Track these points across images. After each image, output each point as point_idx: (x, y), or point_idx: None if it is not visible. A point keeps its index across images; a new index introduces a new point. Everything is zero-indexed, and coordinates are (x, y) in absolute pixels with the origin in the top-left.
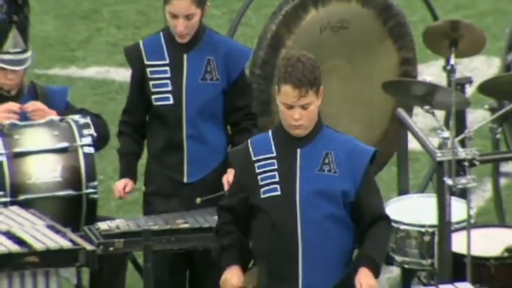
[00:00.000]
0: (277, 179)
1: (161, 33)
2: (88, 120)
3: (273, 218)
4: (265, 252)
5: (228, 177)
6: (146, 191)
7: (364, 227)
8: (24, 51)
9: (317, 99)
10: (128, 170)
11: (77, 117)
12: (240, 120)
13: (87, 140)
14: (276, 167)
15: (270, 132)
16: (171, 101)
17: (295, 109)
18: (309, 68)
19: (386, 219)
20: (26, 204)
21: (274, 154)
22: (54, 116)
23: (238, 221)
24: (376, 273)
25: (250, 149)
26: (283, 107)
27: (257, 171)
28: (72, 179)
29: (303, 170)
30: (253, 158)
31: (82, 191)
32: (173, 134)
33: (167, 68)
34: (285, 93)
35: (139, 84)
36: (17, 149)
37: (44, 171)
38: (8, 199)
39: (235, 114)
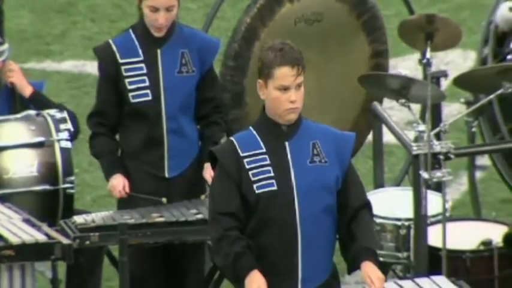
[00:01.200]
0: (272, 174)
1: (130, 31)
2: (65, 114)
3: (270, 213)
4: (263, 247)
5: (210, 172)
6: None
7: (350, 215)
8: (0, 43)
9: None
10: (117, 167)
11: (53, 111)
12: (209, 112)
13: (64, 135)
14: (268, 161)
15: (251, 128)
16: (150, 97)
17: (291, 90)
18: (295, 48)
19: (369, 205)
20: (3, 199)
21: (264, 149)
22: (30, 111)
23: (241, 225)
24: (377, 262)
25: (237, 146)
26: (278, 92)
27: (247, 166)
28: (49, 173)
29: (295, 162)
30: (242, 154)
31: (59, 185)
32: (153, 130)
33: (142, 65)
34: (283, 75)
35: (113, 83)
36: None
37: (20, 166)
38: None
39: (205, 106)
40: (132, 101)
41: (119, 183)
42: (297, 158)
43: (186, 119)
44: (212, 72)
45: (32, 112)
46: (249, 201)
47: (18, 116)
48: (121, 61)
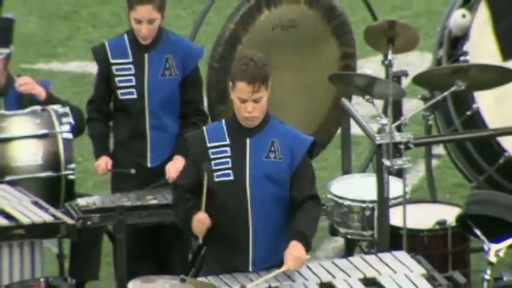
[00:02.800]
0: (229, 165)
1: (125, 35)
2: (67, 110)
3: (225, 200)
4: (217, 230)
5: (173, 164)
6: (115, 180)
7: (296, 205)
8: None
9: (267, 93)
10: (104, 149)
11: (57, 107)
12: (190, 113)
13: (66, 127)
14: (229, 154)
15: (223, 121)
16: (135, 95)
17: (249, 103)
18: (260, 66)
19: (316, 198)
20: (11, 185)
21: (228, 142)
22: (37, 106)
23: (193, 196)
24: (307, 246)
25: (206, 135)
26: (237, 101)
27: (211, 156)
28: (52, 161)
29: (252, 157)
30: (208, 144)
31: (61, 172)
32: (137, 124)
33: (131, 66)
34: (240, 89)
35: (105, 79)
36: (3, 135)
37: (26, 155)
38: None
39: (186, 106)
40: (120, 97)
41: (102, 162)
42: (254, 153)
43: (168, 117)
44: (195, 76)
45: (38, 107)
46: (209, 187)
47: (26, 111)
48: (112, 61)
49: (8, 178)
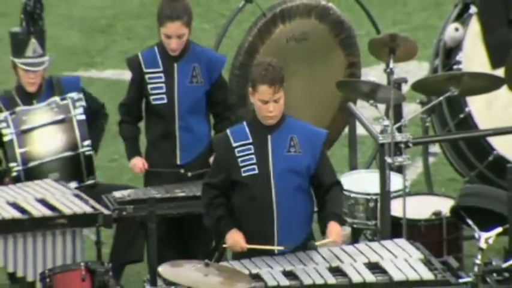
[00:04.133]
0: (254, 161)
1: (156, 47)
2: (81, 95)
3: (252, 191)
4: (246, 218)
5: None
6: (147, 170)
7: (324, 191)
8: (41, 55)
9: (283, 93)
10: (136, 150)
11: (73, 94)
12: (221, 111)
13: (80, 110)
14: (252, 151)
15: (244, 123)
16: (166, 101)
17: (270, 103)
18: (278, 70)
19: (339, 184)
20: (36, 170)
21: (251, 140)
22: (56, 97)
23: (223, 194)
24: (341, 223)
25: (230, 137)
26: (259, 103)
27: (237, 154)
28: (70, 142)
29: (274, 152)
30: (233, 144)
31: (79, 150)
32: (167, 126)
33: (161, 75)
34: (262, 92)
35: (138, 86)
36: (24, 127)
37: (47, 140)
38: (20, 167)
39: (217, 107)
40: (152, 102)
41: (138, 162)
42: (276, 148)
43: (195, 119)
44: (220, 82)
45: (57, 98)
46: (236, 181)
47: (46, 102)
48: (145, 70)
49: (32, 164)
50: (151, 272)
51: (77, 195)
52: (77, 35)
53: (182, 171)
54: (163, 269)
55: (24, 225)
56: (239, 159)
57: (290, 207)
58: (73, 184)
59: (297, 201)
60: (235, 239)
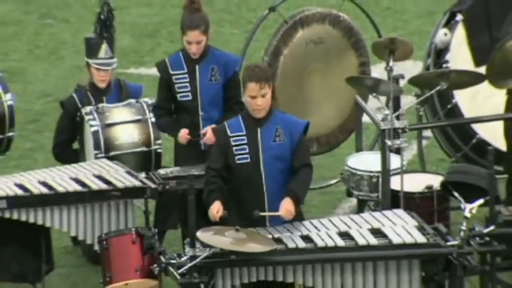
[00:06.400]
0: (247, 151)
1: (180, 52)
2: (154, 101)
3: (245, 176)
4: (240, 199)
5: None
6: (178, 159)
7: (295, 171)
8: (111, 57)
9: (269, 90)
10: (177, 128)
11: (146, 99)
12: (231, 105)
13: (152, 114)
14: (245, 141)
15: (240, 117)
16: (190, 97)
17: (257, 98)
18: (263, 69)
19: (309, 166)
20: (114, 158)
21: (244, 132)
22: (131, 100)
23: (220, 176)
24: (297, 202)
25: (227, 128)
26: (249, 99)
27: (232, 144)
28: (145, 140)
29: (263, 142)
30: (230, 134)
31: (151, 147)
32: (193, 117)
33: (186, 75)
34: (251, 88)
35: (167, 87)
36: (108, 121)
37: (126, 135)
38: (103, 155)
39: (229, 101)
40: (179, 99)
41: (184, 133)
42: (264, 139)
43: (215, 111)
44: (234, 79)
45: (133, 100)
46: (231, 168)
47: (124, 103)
48: (172, 72)
49: (112, 153)
50: (190, 235)
51: (128, 172)
52: (128, 38)
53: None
54: (201, 234)
55: (84, 197)
56: (234, 148)
57: (278, 189)
58: (142, 175)
59: (284, 183)
60: (211, 209)
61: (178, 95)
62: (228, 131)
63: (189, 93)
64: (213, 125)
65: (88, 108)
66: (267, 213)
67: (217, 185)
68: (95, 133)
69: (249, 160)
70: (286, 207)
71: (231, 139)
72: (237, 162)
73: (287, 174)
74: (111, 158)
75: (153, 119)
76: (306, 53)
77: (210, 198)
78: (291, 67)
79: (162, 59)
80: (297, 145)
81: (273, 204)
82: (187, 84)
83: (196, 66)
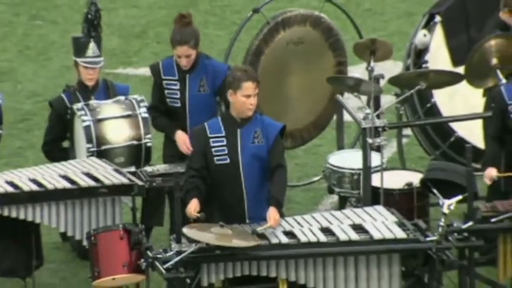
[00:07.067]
0: (226, 152)
1: (173, 58)
2: (143, 97)
3: (224, 177)
4: (221, 199)
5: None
6: (165, 156)
7: (271, 172)
8: (99, 56)
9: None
10: (175, 127)
11: (136, 96)
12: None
13: (143, 109)
14: (225, 143)
15: (219, 118)
16: (179, 105)
17: (252, 97)
18: (253, 70)
19: (283, 166)
20: (106, 152)
21: (223, 134)
22: (121, 97)
23: (200, 176)
24: (280, 208)
25: (207, 129)
26: (243, 99)
27: (211, 145)
28: (135, 134)
29: (243, 143)
30: (209, 135)
31: (142, 141)
32: (182, 123)
33: (177, 82)
34: (247, 88)
35: (160, 88)
36: (99, 117)
37: (116, 130)
38: (95, 149)
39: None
40: (169, 104)
41: (182, 140)
42: (244, 140)
43: (203, 118)
44: (224, 87)
45: (122, 97)
46: (210, 168)
47: (113, 99)
48: (163, 77)
49: (103, 147)
50: (176, 231)
51: (116, 170)
52: (116, 39)
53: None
54: (187, 229)
55: (74, 194)
56: (213, 149)
57: (256, 189)
58: (132, 168)
59: (262, 183)
60: (188, 208)
61: (167, 100)
62: (208, 132)
63: (178, 101)
64: None
65: (79, 105)
66: (262, 227)
67: (196, 185)
68: (87, 128)
69: (228, 161)
70: (274, 216)
71: (211, 140)
72: (216, 163)
73: (265, 175)
74: (102, 152)
75: (144, 115)
76: (285, 52)
77: (188, 197)
78: (271, 66)
79: (156, 62)
80: (273, 146)
81: (252, 204)
82: (177, 92)
83: (187, 76)
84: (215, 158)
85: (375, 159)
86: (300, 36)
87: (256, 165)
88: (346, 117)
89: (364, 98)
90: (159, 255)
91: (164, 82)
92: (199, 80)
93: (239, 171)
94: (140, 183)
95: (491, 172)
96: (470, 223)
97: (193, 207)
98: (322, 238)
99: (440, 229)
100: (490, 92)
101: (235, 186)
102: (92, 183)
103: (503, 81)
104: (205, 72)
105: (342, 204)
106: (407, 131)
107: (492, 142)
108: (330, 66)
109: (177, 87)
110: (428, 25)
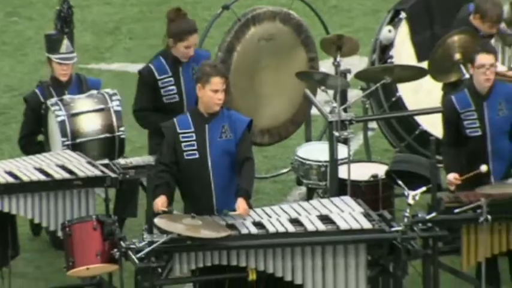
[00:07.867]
0: (195, 147)
1: (160, 57)
2: (115, 91)
3: (194, 172)
4: (190, 192)
5: None
6: (151, 145)
7: (239, 165)
8: (72, 52)
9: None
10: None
11: (108, 90)
12: None
13: (116, 103)
14: (194, 138)
15: (188, 113)
16: (177, 99)
17: (219, 92)
18: (222, 65)
19: (250, 159)
20: (81, 145)
21: (192, 129)
22: (93, 91)
23: (169, 171)
24: (248, 198)
25: (176, 124)
26: (211, 93)
27: (181, 140)
28: (108, 126)
29: (211, 139)
30: (179, 131)
31: (115, 133)
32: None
33: (171, 78)
34: (215, 82)
35: (151, 89)
36: (73, 111)
37: (90, 123)
38: (70, 142)
39: None
40: (166, 102)
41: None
42: (212, 135)
43: None
44: None
45: (94, 92)
46: (180, 163)
47: (86, 94)
48: (158, 77)
49: (78, 140)
50: (148, 222)
51: (89, 162)
52: (89, 36)
53: None
54: (158, 220)
55: (48, 186)
56: (183, 144)
57: (225, 183)
58: (105, 161)
59: (231, 176)
60: (156, 202)
61: (164, 98)
62: (178, 128)
63: (176, 95)
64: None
65: (53, 100)
66: (232, 213)
67: (165, 180)
68: (62, 122)
69: (197, 156)
70: (243, 206)
71: (180, 136)
72: (186, 158)
73: (234, 169)
74: (77, 145)
75: (116, 108)
76: (257, 49)
77: (156, 192)
78: (244, 63)
79: (146, 65)
80: (241, 140)
81: (220, 197)
82: (173, 87)
83: (180, 68)
84: (184, 153)
85: (342, 151)
86: (271, 32)
87: (224, 159)
88: (314, 110)
89: (331, 92)
90: (132, 246)
91: (159, 82)
92: (192, 69)
93: (207, 166)
94: (113, 175)
95: (452, 177)
96: (434, 214)
97: (160, 202)
98: (291, 228)
99: (405, 219)
100: (442, 99)
101: (204, 180)
102: (66, 175)
103: (467, 75)
104: (194, 60)
105: (310, 195)
106: (373, 124)
107: (448, 148)
108: (302, 62)
109: (172, 82)
110: (393, 21)
